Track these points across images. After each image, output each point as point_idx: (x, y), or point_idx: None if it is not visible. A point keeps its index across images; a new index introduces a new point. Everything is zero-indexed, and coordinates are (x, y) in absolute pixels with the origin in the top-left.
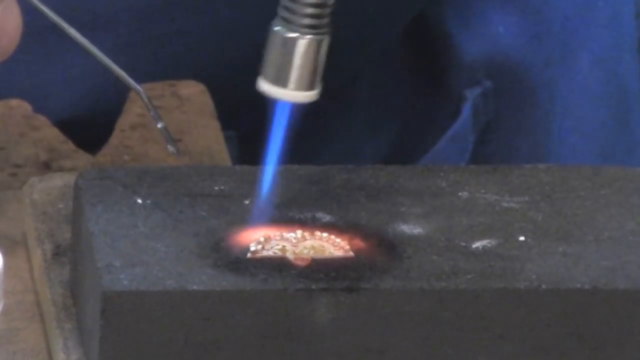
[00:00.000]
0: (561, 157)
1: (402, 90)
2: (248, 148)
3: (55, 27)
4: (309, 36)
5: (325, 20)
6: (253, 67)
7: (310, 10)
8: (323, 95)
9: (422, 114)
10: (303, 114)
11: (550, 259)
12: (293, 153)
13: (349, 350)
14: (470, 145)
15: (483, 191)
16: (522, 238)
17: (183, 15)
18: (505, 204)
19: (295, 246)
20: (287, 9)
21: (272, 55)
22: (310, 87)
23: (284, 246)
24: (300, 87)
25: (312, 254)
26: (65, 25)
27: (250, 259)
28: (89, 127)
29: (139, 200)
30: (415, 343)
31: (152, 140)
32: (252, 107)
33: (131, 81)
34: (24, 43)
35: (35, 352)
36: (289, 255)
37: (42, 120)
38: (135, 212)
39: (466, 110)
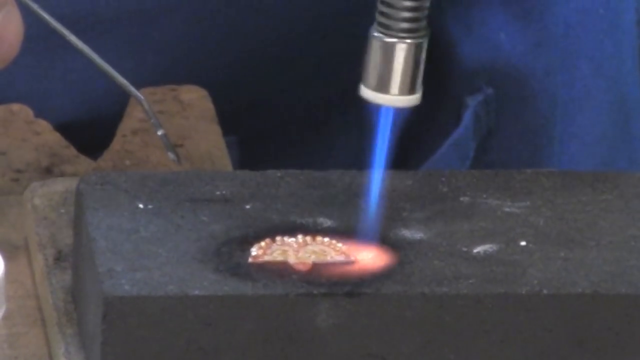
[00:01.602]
0: (562, 165)
1: None
2: (249, 153)
3: (56, 32)
4: (408, 40)
5: (423, 24)
6: (254, 72)
7: (407, 15)
8: (324, 101)
9: (423, 120)
10: (305, 120)
11: (551, 264)
12: (294, 158)
13: (350, 356)
14: (471, 152)
15: (484, 196)
16: (523, 243)
17: (184, 20)
18: (506, 209)
19: (296, 251)
20: (384, 14)
21: (372, 62)
22: (412, 91)
23: (285, 251)
24: (402, 92)
25: (313, 258)
26: (66, 32)
27: (251, 264)
28: (90, 132)
29: (141, 205)
30: (416, 348)
31: (154, 145)
32: (253, 112)
33: (132, 89)
34: (25, 48)
35: (36, 357)
36: (291, 260)
37: (43, 125)
38: (136, 217)
39: (467, 117)
